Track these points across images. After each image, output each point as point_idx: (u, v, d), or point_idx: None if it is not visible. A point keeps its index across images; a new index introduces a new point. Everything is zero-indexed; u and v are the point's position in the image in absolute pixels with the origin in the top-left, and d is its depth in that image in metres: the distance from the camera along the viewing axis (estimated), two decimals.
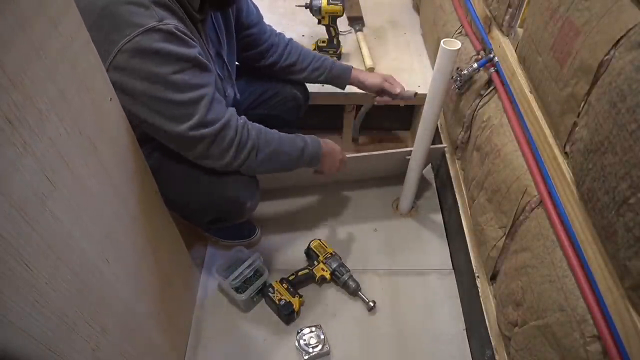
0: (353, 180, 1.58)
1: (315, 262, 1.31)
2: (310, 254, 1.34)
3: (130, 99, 0.85)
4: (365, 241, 1.44)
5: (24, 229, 0.52)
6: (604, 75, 0.67)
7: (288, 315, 1.21)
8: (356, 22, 1.85)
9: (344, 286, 1.29)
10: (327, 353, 1.18)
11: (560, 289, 0.76)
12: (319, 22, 1.56)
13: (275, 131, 1.06)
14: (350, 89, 1.40)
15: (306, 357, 1.16)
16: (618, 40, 0.63)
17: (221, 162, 0.98)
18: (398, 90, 1.34)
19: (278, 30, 1.32)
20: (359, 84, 1.37)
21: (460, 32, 1.33)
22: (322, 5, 1.49)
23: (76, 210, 0.63)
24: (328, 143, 1.19)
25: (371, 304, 1.26)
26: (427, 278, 1.35)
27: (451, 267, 1.38)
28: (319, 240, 1.36)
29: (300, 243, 1.40)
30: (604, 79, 0.67)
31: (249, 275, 1.25)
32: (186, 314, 1.22)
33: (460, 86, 1.23)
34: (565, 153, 0.80)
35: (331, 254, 1.32)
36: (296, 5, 1.54)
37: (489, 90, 1.14)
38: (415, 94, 1.35)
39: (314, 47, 1.66)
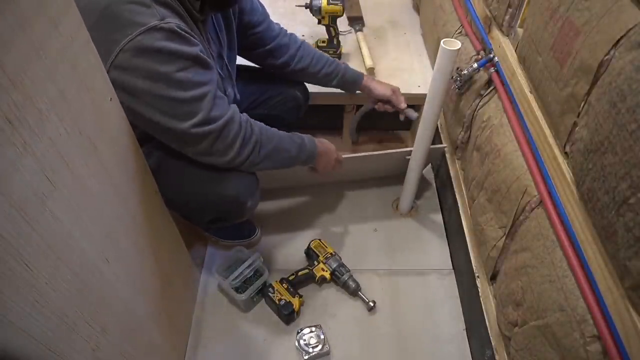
0: (353, 180, 1.58)
1: (315, 262, 1.31)
2: (310, 254, 1.34)
3: (133, 98, 0.85)
4: (365, 241, 1.44)
5: (24, 229, 0.52)
6: (604, 75, 0.67)
7: (288, 315, 1.21)
8: (356, 22, 1.85)
9: (344, 286, 1.29)
10: (327, 353, 1.18)
11: (560, 289, 0.76)
12: (319, 22, 1.56)
13: (274, 129, 1.07)
14: None
15: (306, 357, 1.16)
16: (618, 40, 0.63)
17: (225, 159, 0.98)
18: (403, 106, 1.38)
19: None
20: (368, 92, 1.39)
21: (460, 32, 1.33)
22: (322, 5, 1.49)
23: (76, 210, 0.63)
24: (323, 142, 1.20)
25: (371, 304, 1.26)
26: (427, 278, 1.35)
27: (451, 267, 1.38)
28: (319, 240, 1.36)
29: (300, 243, 1.40)
30: (604, 79, 0.67)
31: (249, 275, 1.25)
32: (186, 314, 1.22)
33: (460, 86, 1.23)
34: (565, 153, 0.80)
35: (331, 254, 1.33)
36: (296, 5, 1.54)
37: (489, 90, 1.14)
38: (418, 117, 1.36)
39: (313, 47, 1.66)
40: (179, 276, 1.15)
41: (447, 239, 1.44)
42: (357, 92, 1.42)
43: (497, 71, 1.07)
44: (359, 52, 1.72)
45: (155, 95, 0.85)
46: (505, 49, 1.03)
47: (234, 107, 0.98)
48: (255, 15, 1.21)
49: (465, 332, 1.24)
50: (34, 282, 0.54)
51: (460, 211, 1.32)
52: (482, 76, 1.16)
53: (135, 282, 0.85)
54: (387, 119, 1.71)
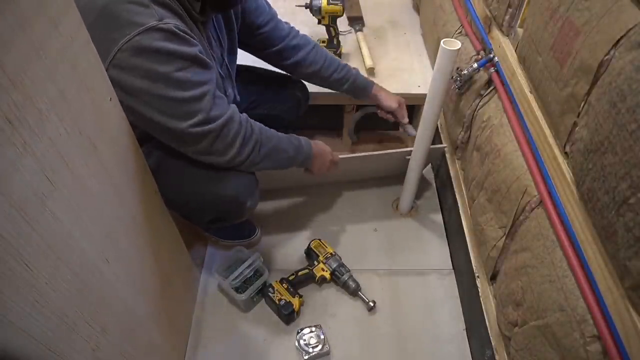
0: (353, 180, 1.58)
1: (315, 262, 1.31)
2: (310, 254, 1.34)
3: (131, 97, 0.85)
4: (365, 241, 1.44)
5: (24, 229, 0.52)
6: (604, 75, 0.67)
7: (288, 315, 1.21)
8: (356, 22, 1.85)
9: (344, 286, 1.29)
10: (327, 353, 1.18)
11: (560, 289, 0.76)
12: (319, 22, 1.56)
13: (272, 130, 1.07)
14: None
15: (306, 357, 1.16)
16: (618, 40, 0.63)
17: (225, 158, 0.98)
18: (405, 121, 1.41)
19: None
20: (376, 101, 1.40)
21: (460, 32, 1.33)
22: (322, 5, 1.49)
23: (76, 210, 0.63)
24: (318, 144, 1.21)
25: (371, 304, 1.26)
26: (427, 278, 1.35)
27: (451, 267, 1.38)
28: (319, 240, 1.36)
29: (300, 243, 1.40)
30: (604, 79, 0.67)
31: (249, 275, 1.25)
32: (186, 314, 1.22)
33: (460, 86, 1.23)
34: (565, 153, 0.80)
35: (331, 254, 1.33)
36: (296, 5, 1.54)
37: (489, 90, 1.14)
38: (414, 137, 1.39)
39: None
40: (179, 276, 1.15)
41: (447, 239, 1.44)
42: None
43: (497, 71, 1.07)
44: (359, 52, 1.72)
45: (154, 95, 0.85)
46: (505, 49, 1.03)
47: (233, 106, 0.98)
48: (261, 16, 1.21)
49: (465, 332, 1.24)
50: (34, 282, 0.54)
51: (460, 211, 1.32)
52: (482, 76, 1.16)
53: (135, 282, 0.85)
54: (387, 120, 1.71)
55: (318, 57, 1.30)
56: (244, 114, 1.01)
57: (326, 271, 1.29)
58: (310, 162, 1.18)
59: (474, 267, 1.19)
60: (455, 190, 1.36)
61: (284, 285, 1.25)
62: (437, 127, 1.50)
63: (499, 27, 1.08)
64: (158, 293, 0.96)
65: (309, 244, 1.35)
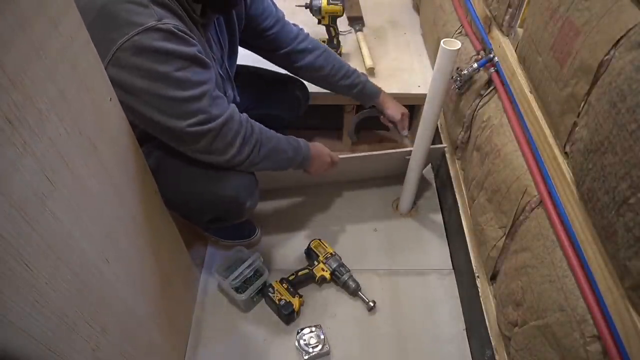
0: (353, 180, 1.58)
1: (315, 262, 1.31)
2: (310, 254, 1.34)
3: (131, 96, 0.85)
4: (365, 241, 1.44)
5: (24, 229, 0.52)
6: (604, 75, 0.67)
7: (288, 315, 1.21)
8: (356, 22, 1.85)
9: (344, 286, 1.29)
10: (327, 353, 1.18)
11: (560, 289, 0.76)
12: (319, 22, 1.56)
13: (272, 130, 1.07)
14: None
15: (306, 357, 1.16)
16: (618, 40, 0.63)
17: (224, 157, 0.98)
18: (405, 132, 1.44)
19: None
20: (381, 108, 1.41)
21: (460, 32, 1.33)
22: (322, 5, 1.49)
23: (76, 210, 0.63)
24: (316, 146, 1.21)
25: (371, 304, 1.26)
26: (427, 278, 1.35)
27: (451, 267, 1.38)
28: (319, 240, 1.36)
29: (300, 243, 1.40)
30: (604, 79, 0.67)
31: (249, 275, 1.25)
32: (186, 314, 1.22)
33: (460, 86, 1.23)
34: (565, 153, 0.80)
35: (331, 254, 1.33)
36: (296, 5, 1.54)
37: (489, 90, 1.14)
38: (407, 136, 1.46)
39: None
40: (179, 276, 1.15)
41: (447, 239, 1.44)
42: None
43: (497, 71, 1.07)
44: (359, 52, 1.72)
45: (154, 94, 0.85)
46: (505, 49, 1.03)
47: (233, 106, 0.98)
48: (267, 19, 1.20)
49: (465, 332, 1.24)
50: (34, 282, 0.54)
51: (460, 211, 1.32)
52: (482, 76, 1.16)
53: (135, 282, 0.85)
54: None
55: (327, 62, 1.30)
56: (244, 114, 1.01)
57: (326, 271, 1.29)
58: (308, 164, 1.18)
59: (474, 267, 1.19)
60: (455, 190, 1.36)
61: (284, 285, 1.25)
62: (437, 127, 1.50)
63: (499, 27, 1.08)
64: (158, 293, 0.96)
65: (309, 244, 1.35)
